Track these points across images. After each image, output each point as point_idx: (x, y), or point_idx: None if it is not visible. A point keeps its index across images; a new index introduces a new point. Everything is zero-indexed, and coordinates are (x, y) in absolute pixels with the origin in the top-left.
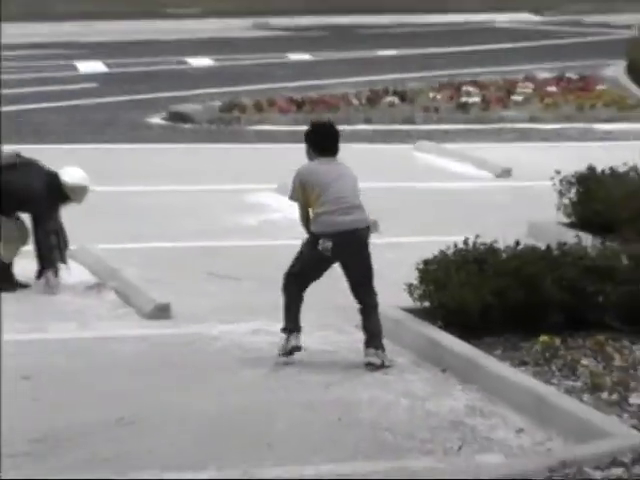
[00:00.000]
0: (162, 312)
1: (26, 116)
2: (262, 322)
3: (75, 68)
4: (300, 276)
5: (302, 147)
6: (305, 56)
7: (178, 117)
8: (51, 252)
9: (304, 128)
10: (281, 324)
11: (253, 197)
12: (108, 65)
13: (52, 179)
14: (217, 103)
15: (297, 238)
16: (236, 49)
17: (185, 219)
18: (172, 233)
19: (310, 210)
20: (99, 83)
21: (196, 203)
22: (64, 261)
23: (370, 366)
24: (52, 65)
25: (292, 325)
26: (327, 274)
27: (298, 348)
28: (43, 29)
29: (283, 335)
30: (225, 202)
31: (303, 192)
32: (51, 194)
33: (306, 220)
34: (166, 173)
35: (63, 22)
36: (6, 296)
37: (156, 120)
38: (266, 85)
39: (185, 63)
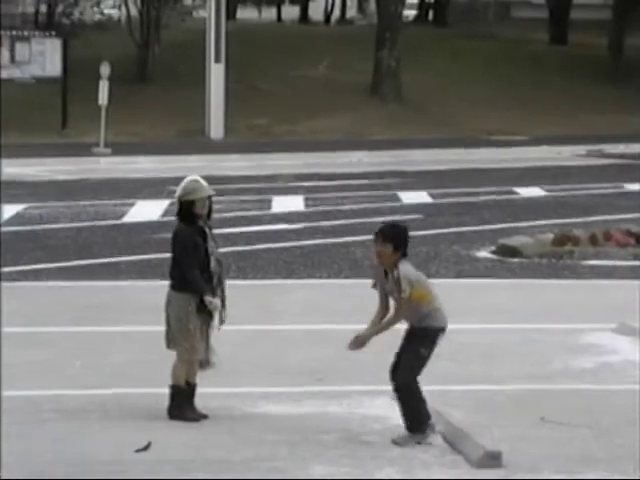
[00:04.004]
0: (493, 460)
1: (347, 248)
2: (598, 473)
3: (398, 199)
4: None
5: None
6: None
7: (507, 251)
8: None
9: None
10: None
11: (588, 337)
12: (432, 196)
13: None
14: (549, 236)
15: (637, 383)
16: (568, 178)
17: (513, 360)
18: (499, 374)
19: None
20: (423, 214)
21: (525, 343)
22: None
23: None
24: (374, 196)
25: (428, 419)
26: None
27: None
28: (358, 156)
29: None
30: (557, 342)
31: (423, 289)
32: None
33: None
34: (493, 310)
35: (379, 150)
36: (327, 439)
37: (483, 254)
38: (602, 217)
39: (513, 193)
